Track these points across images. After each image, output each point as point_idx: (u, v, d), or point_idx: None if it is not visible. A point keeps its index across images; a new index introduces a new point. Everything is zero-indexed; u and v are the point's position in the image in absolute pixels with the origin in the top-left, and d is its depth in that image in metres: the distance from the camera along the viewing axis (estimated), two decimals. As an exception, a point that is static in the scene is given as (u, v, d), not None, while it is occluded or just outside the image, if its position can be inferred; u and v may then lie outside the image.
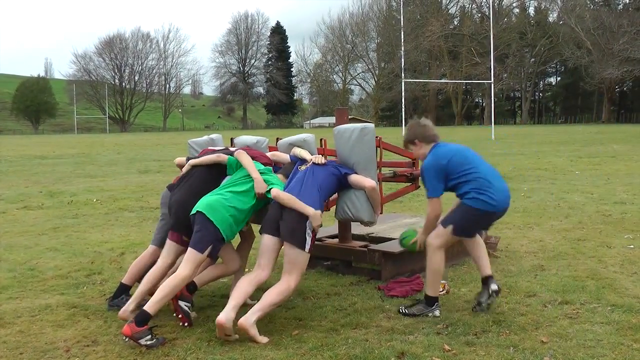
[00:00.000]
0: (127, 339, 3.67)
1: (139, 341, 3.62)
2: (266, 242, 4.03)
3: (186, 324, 4.02)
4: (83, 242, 7.06)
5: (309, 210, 3.96)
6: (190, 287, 4.17)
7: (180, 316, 4.03)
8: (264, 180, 4.16)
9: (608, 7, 76.16)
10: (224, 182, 4.31)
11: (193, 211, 4.02)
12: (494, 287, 4.22)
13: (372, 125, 4.65)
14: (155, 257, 4.45)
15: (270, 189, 4.11)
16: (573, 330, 3.78)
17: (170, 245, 4.31)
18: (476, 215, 4.08)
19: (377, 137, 4.82)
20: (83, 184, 13.99)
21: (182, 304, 4.04)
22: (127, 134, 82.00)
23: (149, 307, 3.73)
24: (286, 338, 3.75)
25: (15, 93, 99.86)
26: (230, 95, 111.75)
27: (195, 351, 3.59)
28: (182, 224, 4.21)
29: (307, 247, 3.95)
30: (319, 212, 4.02)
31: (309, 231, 3.95)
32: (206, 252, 3.93)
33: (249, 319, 3.72)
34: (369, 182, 4.36)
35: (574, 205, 9.01)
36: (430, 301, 4.15)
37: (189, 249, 3.95)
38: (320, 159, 4.37)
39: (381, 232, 5.81)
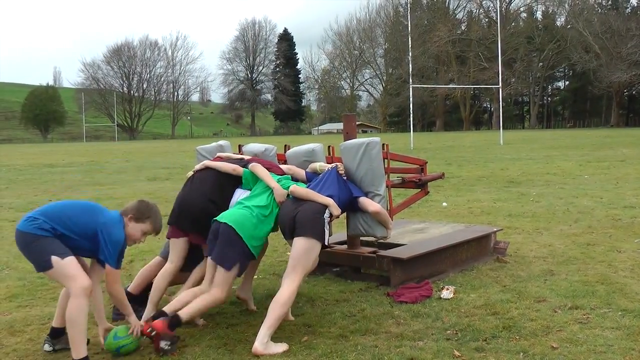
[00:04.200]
0: (152, 332, 3.59)
1: (161, 341, 3.59)
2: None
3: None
4: (92, 250, 7.06)
5: (327, 200, 4.00)
6: (173, 322, 3.70)
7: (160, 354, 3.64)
8: (282, 186, 4.16)
9: (616, 11, 76.16)
10: (246, 195, 4.22)
11: (219, 219, 3.92)
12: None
13: (377, 139, 4.65)
14: (161, 268, 4.46)
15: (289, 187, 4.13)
16: (583, 336, 3.75)
17: (174, 244, 4.29)
18: None
19: (384, 144, 4.82)
20: (92, 192, 14.05)
21: (163, 343, 3.62)
22: (135, 141, 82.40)
23: (183, 313, 3.73)
24: (295, 345, 3.74)
25: (25, 102, 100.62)
26: (239, 102, 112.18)
27: (204, 358, 3.59)
28: (183, 220, 4.23)
29: (326, 239, 3.94)
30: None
31: (327, 224, 3.96)
32: (235, 270, 3.86)
33: (261, 343, 3.61)
34: (372, 206, 4.43)
35: (583, 209, 8.96)
36: None
37: (218, 269, 3.85)
38: (341, 169, 4.45)
39: (390, 238, 5.79)
